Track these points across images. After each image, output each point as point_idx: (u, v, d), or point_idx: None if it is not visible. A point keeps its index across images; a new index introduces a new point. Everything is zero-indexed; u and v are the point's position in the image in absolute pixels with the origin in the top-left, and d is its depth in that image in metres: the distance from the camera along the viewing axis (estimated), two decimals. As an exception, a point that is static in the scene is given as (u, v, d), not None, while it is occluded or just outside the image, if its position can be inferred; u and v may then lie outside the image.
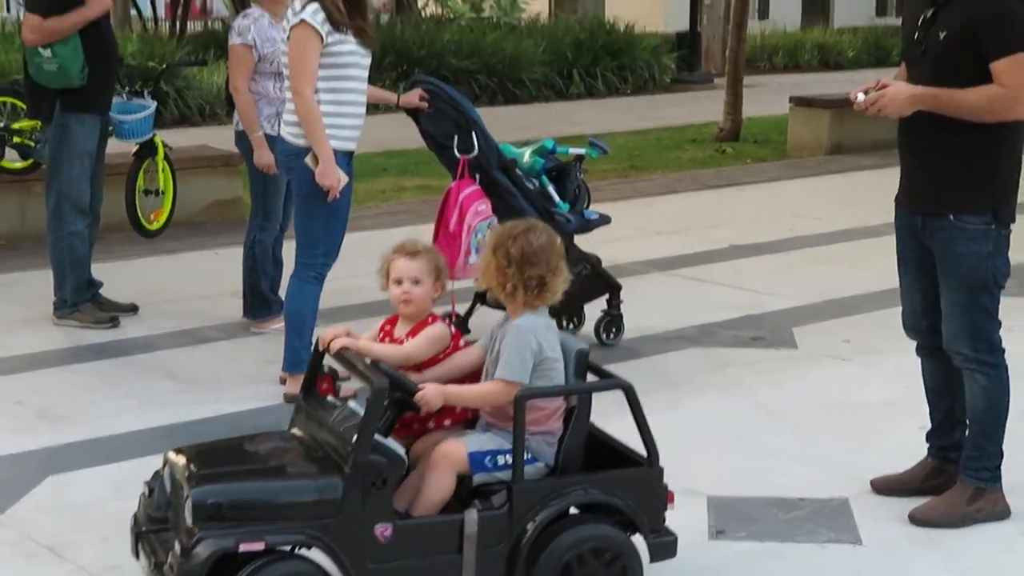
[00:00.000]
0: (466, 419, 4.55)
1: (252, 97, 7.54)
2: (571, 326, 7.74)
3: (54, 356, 7.41)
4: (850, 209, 11.18)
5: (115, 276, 8.60)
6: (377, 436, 4.11)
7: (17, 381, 6.97)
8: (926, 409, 5.43)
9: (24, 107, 8.71)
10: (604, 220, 7.57)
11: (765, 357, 7.37)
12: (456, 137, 7.00)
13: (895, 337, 5.49)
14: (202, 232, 10.47)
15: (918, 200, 5.08)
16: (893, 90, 4.84)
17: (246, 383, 6.87)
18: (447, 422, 4.52)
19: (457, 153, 6.99)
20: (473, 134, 6.98)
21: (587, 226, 7.44)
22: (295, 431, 4.48)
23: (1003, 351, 5.09)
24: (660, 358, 7.40)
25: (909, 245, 5.20)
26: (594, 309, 7.62)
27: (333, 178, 6.33)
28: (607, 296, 7.58)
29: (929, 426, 5.44)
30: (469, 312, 7.50)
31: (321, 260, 6.59)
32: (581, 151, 7.56)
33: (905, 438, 5.71)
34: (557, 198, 7.34)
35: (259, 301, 7.83)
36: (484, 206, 6.92)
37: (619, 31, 25.19)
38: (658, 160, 15.55)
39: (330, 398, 4.50)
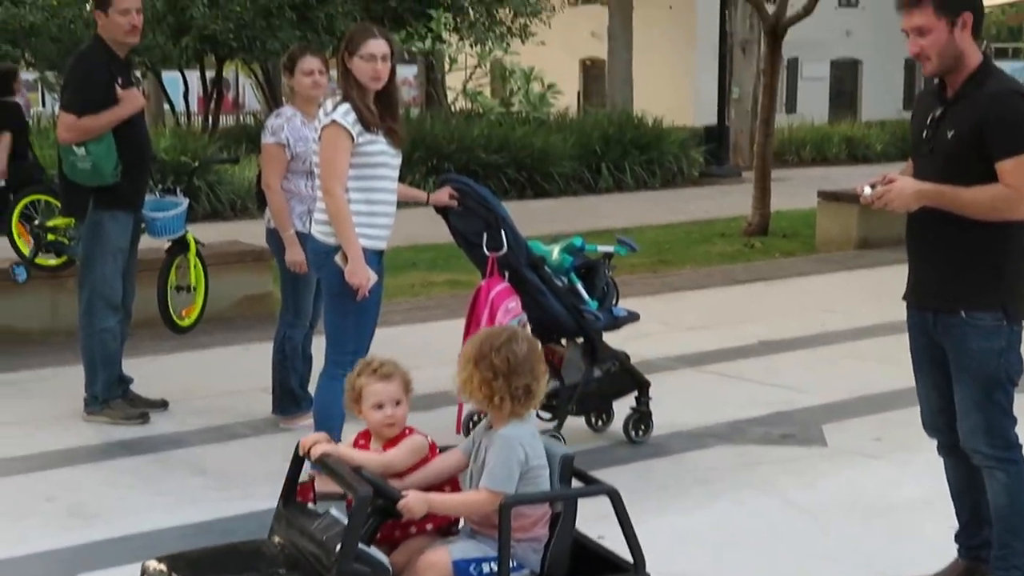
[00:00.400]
0: (446, 524, 4.49)
1: (284, 195, 7.60)
2: (600, 423, 7.73)
3: (85, 453, 7.44)
4: (879, 304, 11.14)
5: (146, 372, 8.64)
6: (360, 545, 4.05)
7: (48, 478, 6.99)
8: (955, 509, 5.40)
9: (58, 205, 8.80)
10: (633, 317, 7.58)
11: (796, 455, 7.33)
12: (485, 235, 7.04)
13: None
14: (233, 327, 10.52)
15: (927, 297, 5.09)
16: (900, 185, 4.86)
17: (275, 480, 6.75)
18: (428, 526, 4.46)
19: (486, 251, 7.03)
20: (502, 232, 7.01)
21: (615, 323, 7.45)
22: (276, 539, 4.41)
23: (1020, 447, 5.06)
24: (690, 455, 7.37)
25: (921, 343, 5.19)
26: (623, 406, 7.61)
27: (362, 277, 6.37)
28: (636, 393, 7.57)
29: (957, 526, 5.40)
30: None
31: (351, 357, 6.58)
32: (609, 248, 7.59)
33: (938, 538, 5.65)
34: (586, 295, 7.37)
35: (288, 397, 7.85)
36: (514, 303, 6.95)
37: (647, 125, 25.36)
38: (687, 254, 15.59)
39: (311, 505, 4.46)
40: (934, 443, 5.40)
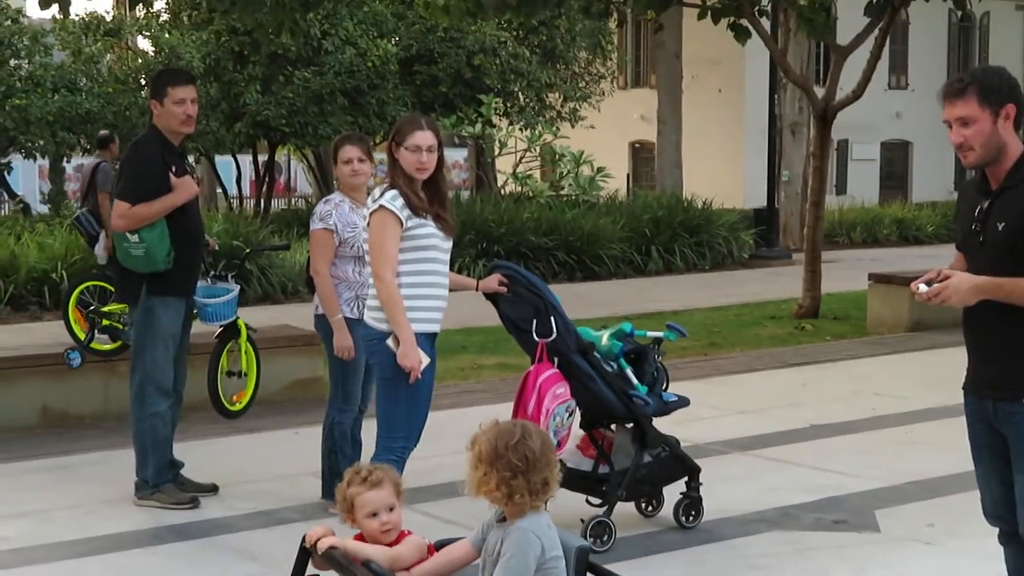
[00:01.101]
0: None
1: (332, 281, 7.65)
2: (650, 508, 7.68)
3: (135, 537, 7.45)
4: (933, 388, 11.08)
5: (196, 456, 8.66)
6: None
7: (98, 563, 7.00)
8: (1015, 598, 5.31)
9: (112, 290, 8.90)
10: (683, 402, 7.55)
11: (848, 541, 7.24)
12: (535, 321, 7.04)
13: (981, 520, 5.38)
14: (283, 411, 10.54)
15: (987, 387, 5.05)
16: (956, 281, 4.82)
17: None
18: None
19: (536, 337, 7.02)
20: (552, 318, 7.00)
21: (666, 409, 7.43)
22: None
23: None
24: (741, 541, 7.30)
25: (981, 431, 5.14)
26: (673, 491, 7.56)
27: (414, 359, 6.39)
28: (686, 478, 7.52)
29: None
30: None
31: (402, 444, 6.61)
32: (659, 334, 7.56)
33: (994, 627, 5.57)
34: (635, 381, 7.34)
35: (338, 482, 7.82)
36: (562, 389, 6.93)
37: (696, 208, 25.39)
38: (737, 337, 15.53)
39: None
40: (989, 529, 5.33)
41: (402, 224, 6.47)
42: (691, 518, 7.51)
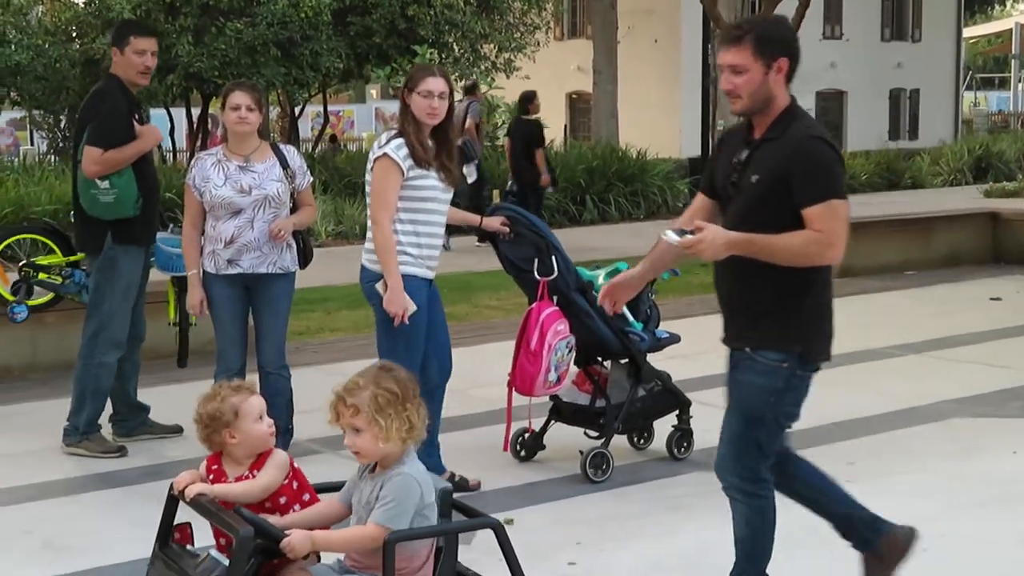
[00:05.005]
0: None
1: (193, 235, 7.55)
2: (642, 441, 7.95)
3: (62, 485, 7.49)
4: (858, 331, 11.18)
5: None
6: None
7: (25, 511, 7.04)
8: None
9: (46, 243, 8.89)
10: (674, 339, 7.83)
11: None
12: (536, 261, 7.22)
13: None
14: (212, 361, 10.49)
15: (728, 336, 5.17)
16: (710, 235, 4.74)
17: (251, 511, 6.88)
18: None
19: (538, 276, 7.21)
20: (553, 258, 7.21)
21: (659, 345, 7.69)
22: None
23: (769, 482, 5.13)
24: (666, 481, 7.44)
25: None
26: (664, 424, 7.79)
27: (399, 305, 6.59)
28: (677, 412, 7.76)
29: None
30: (544, 428, 7.73)
31: None
32: (653, 273, 7.72)
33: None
34: (631, 317, 7.55)
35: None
36: (563, 326, 7.16)
37: (631, 157, 25.46)
38: (669, 284, 15.37)
39: (189, 547, 4.45)
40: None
41: (403, 174, 6.61)
42: (683, 449, 7.77)
